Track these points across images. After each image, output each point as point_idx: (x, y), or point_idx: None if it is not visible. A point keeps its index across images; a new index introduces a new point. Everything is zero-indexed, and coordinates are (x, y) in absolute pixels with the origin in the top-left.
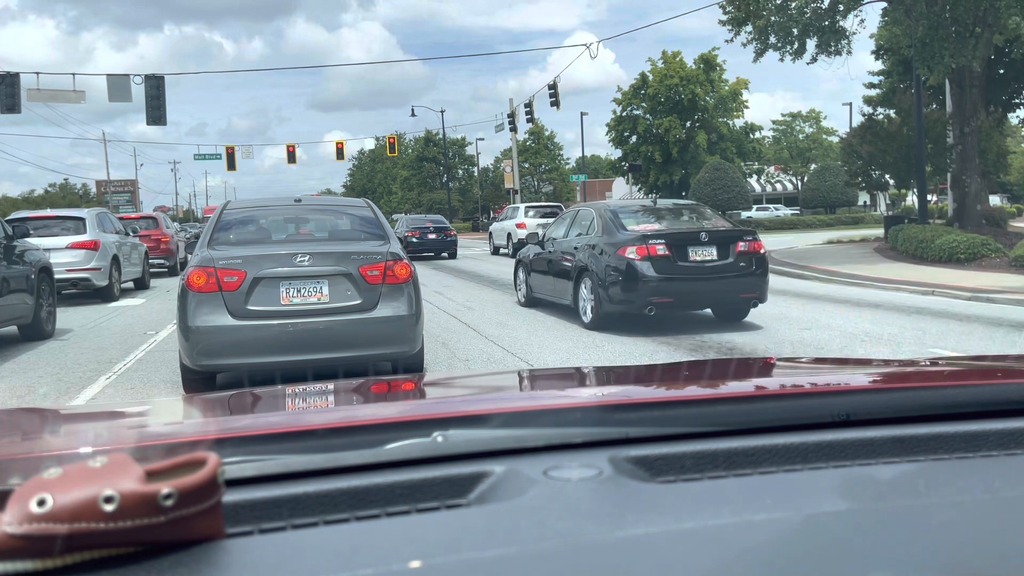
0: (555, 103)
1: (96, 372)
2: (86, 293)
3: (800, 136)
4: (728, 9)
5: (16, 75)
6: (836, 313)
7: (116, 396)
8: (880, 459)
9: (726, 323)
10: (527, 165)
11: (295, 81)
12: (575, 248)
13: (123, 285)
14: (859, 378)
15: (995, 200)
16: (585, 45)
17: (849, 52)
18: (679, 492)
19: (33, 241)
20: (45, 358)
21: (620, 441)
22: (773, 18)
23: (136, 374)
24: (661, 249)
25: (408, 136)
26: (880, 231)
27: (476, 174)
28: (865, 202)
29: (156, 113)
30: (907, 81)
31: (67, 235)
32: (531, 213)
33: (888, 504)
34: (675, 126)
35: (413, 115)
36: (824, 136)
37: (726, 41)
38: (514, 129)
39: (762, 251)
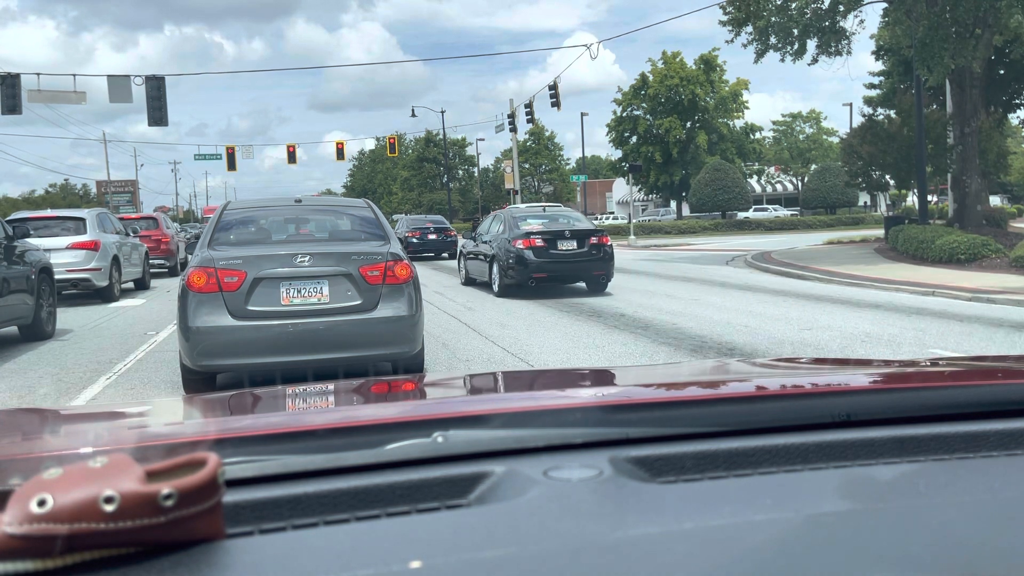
0: (555, 103)
1: (96, 372)
2: (86, 293)
3: (800, 137)
4: (728, 10)
5: (17, 76)
6: (836, 314)
7: (116, 396)
8: (880, 459)
9: (725, 324)
10: (527, 165)
11: (295, 81)
12: (489, 242)
13: (123, 285)
14: (859, 378)
15: (995, 200)
16: (586, 46)
17: (849, 52)
18: (679, 492)
19: (33, 241)
20: (45, 358)
21: (620, 441)
22: (773, 19)
23: (136, 374)
24: (539, 242)
25: (408, 136)
26: (880, 232)
27: (476, 174)
28: (865, 203)
29: (157, 114)
30: (907, 81)
31: (67, 235)
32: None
33: (889, 504)
34: (675, 127)
35: (413, 115)
36: (824, 137)
37: (726, 42)
38: (514, 129)
39: (608, 243)
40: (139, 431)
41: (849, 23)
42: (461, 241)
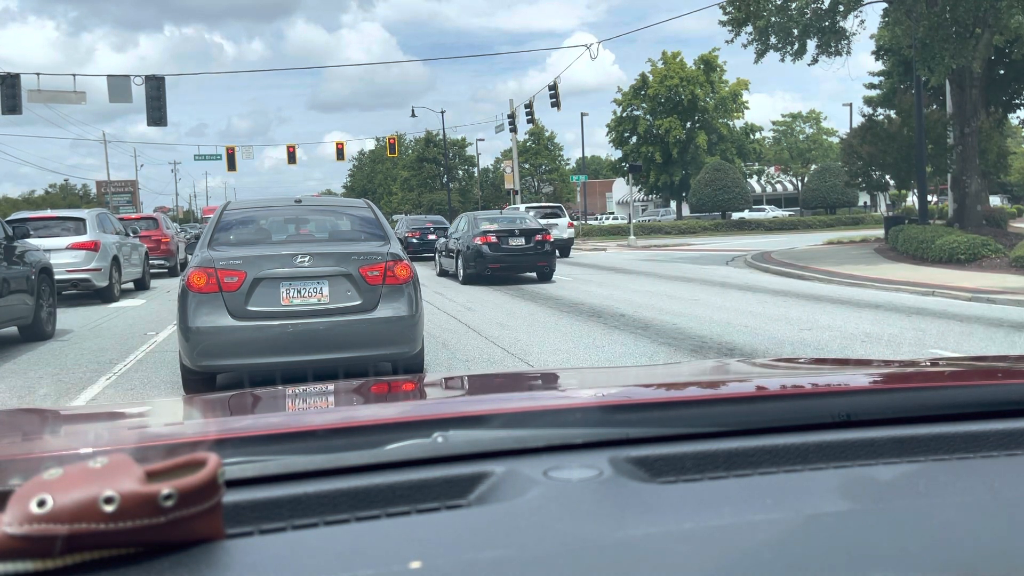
0: (555, 104)
1: (96, 373)
2: (86, 294)
3: (800, 137)
4: (728, 10)
5: (17, 76)
6: (836, 314)
7: (116, 397)
8: (880, 460)
9: (725, 324)
10: (527, 166)
11: (295, 82)
12: (457, 239)
13: (123, 286)
14: (859, 379)
15: (995, 200)
16: (585, 46)
17: (849, 53)
18: (679, 493)
19: (33, 242)
20: (45, 359)
21: (620, 442)
22: (773, 19)
23: (136, 375)
24: (494, 239)
25: (408, 137)
26: (880, 232)
27: (476, 175)
28: (865, 203)
29: (157, 114)
30: (907, 82)
31: (67, 236)
32: (531, 214)
33: (889, 505)
34: (675, 127)
35: (413, 116)
36: (824, 137)
37: (726, 42)
38: (514, 130)
39: (550, 239)
40: (139, 431)
41: (849, 23)
42: (439, 239)
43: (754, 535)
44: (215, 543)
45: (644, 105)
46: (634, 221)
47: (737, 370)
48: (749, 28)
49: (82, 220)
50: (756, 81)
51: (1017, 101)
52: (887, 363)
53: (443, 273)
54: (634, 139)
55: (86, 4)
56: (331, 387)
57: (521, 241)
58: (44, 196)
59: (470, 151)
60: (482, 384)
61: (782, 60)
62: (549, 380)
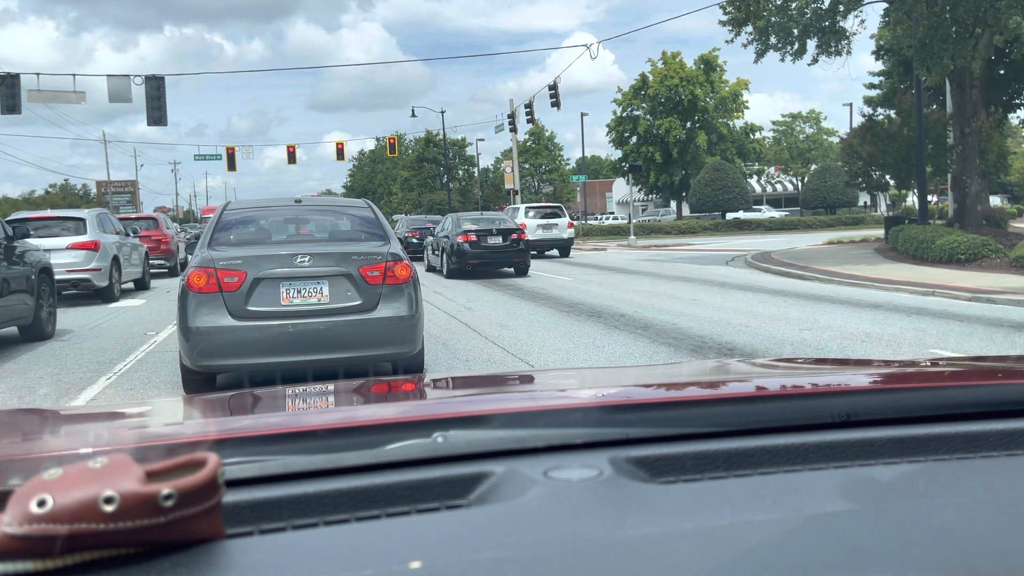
0: (555, 104)
1: (96, 373)
2: (86, 294)
3: (800, 137)
4: (728, 10)
5: (16, 76)
6: (836, 314)
7: (116, 397)
8: (881, 460)
9: (725, 324)
10: (527, 166)
11: (295, 82)
12: (444, 238)
13: (123, 286)
14: (859, 379)
15: (995, 201)
16: (585, 46)
17: (849, 52)
18: (679, 493)
19: (33, 242)
20: (45, 359)
21: (620, 442)
22: (773, 19)
23: (136, 375)
24: (474, 237)
25: (408, 137)
26: (880, 232)
27: (476, 175)
28: (865, 203)
29: (156, 114)
30: (907, 82)
31: (67, 236)
32: (531, 214)
33: (889, 505)
34: (675, 127)
35: (413, 115)
36: (824, 137)
37: (726, 42)
38: (514, 130)
39: (524, 238)
40: (139, 431)
41: (849, 23)
42: (427, 237)
43: (754, 535)
44: (215, 543)
45: (644, 105)
46: (634, 221)
47: (737, 370)
48: (749, 28)
49: (82, 220)
50: (756, 81)
51: (1017, 101)
52: (887, 363)
53: (430, 268)
54: (634, 139)
55: (86, 4)
56: (331, 387)
57: (499, 240)
58: (44, 196)
59: (470, 151)
60: (482, 384)
61: (782, 60)
62: (549, 380)
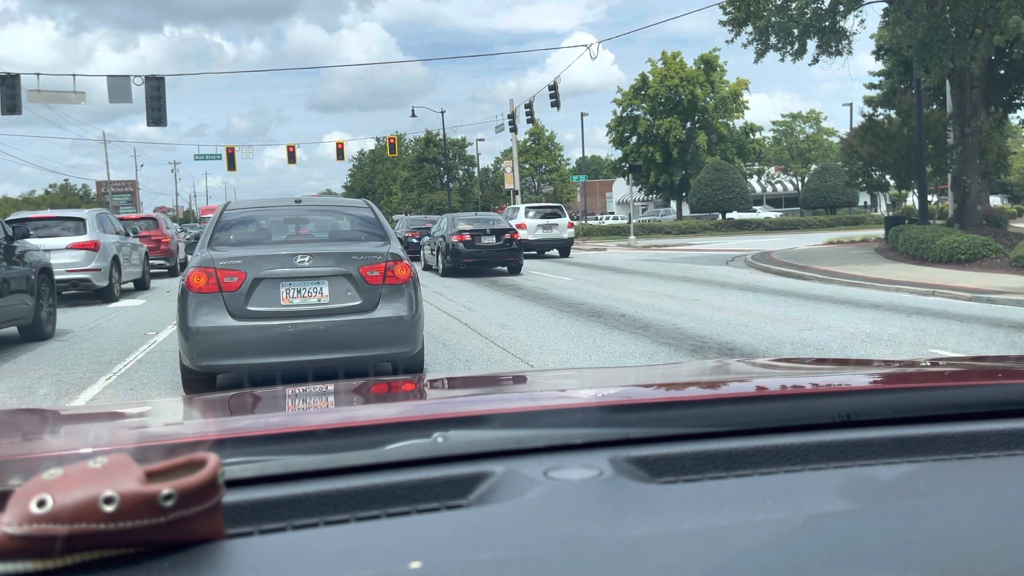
0: (555, 104)
1: (96, 373)
2: (86, 294)
3: (800, 137)
4: (728, 10)
5: (16, 76)
6: (836, 314)
7: (116, 397)
8: (881, 460)
9: (725, 324)
10: (527, 166)
11: (295, 82)
12: (440, 238)
13: (123, 286)
14: (859, 379)
15: (995, 201)
16: (585, 46)
17: (849, 52)
18: (679, 493)
19: (33, 242)
20: (45, 359)
21: (620, 442)
22: (773, 19)
23: (136, 375)
24: (468, 237)
25: (408, 137)
26: (880, 232)
27: (476, 175)
28: (865, 203)
29: (156, 114)
30: (908, 82)
31: (67, 236)
32: (531, 214)
33: (889, 505)
34: (675, 127)
35: (413, 115)
36: (824, 137)
37: (726, 42)
38: (514, 130)
39: (517, 237)
40: (139, 431)
41: (849, 23)
42: (425, 237)
43: (754, 535)
44: (215, 543)
45: (644, 105)
46: (634, 221)
47: (737, 370)
48: (749, 28)
49: (82, 220)
50: (756, 81)
51: (1017, 101)
52: (887, 363)
53: (427, 267)
54: (634, 139)
55: (86, 4)
56: (331, 387)
57: (492, 239)
58: (44, 196)
59: (470, 151)
60: (482, 384)
61: (782, 60)
62: (549, 380)
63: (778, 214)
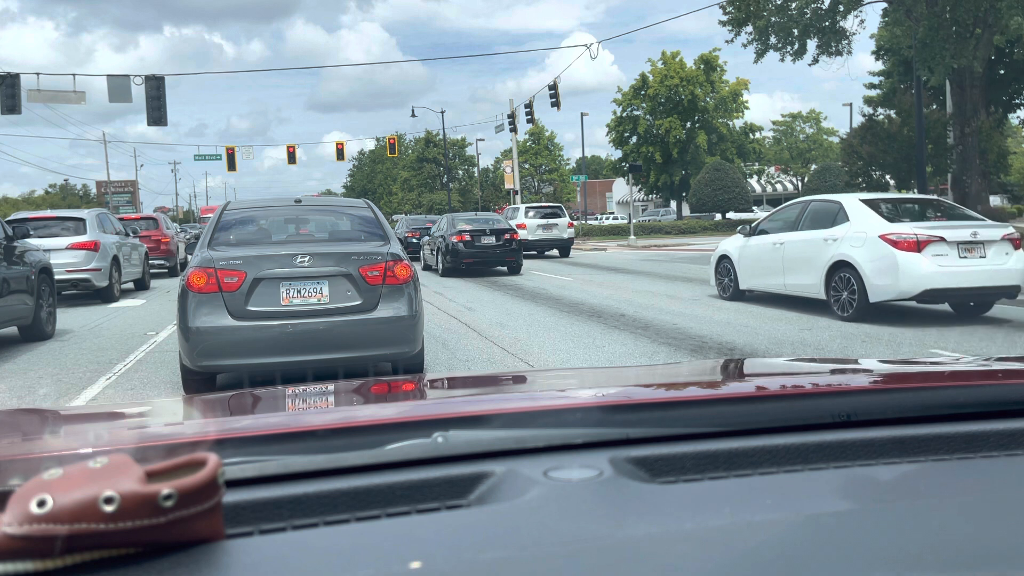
0: (555, 103)
1: (96, 373)
2: (86, 294)
3: (800, 137)
4: (728, 10)
5: (16, 76)
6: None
7: (116, 397)
8: (881, 460)
9: (725, 324)
10: (527, 166)
11: (295, 82)
12: (440, 238)
13: (123, 286)
14: (860, 379)
15: (995, 200)
16: (585, 46)
17: (849, 52)
18: (679, 493)
19: (33, 242)
20: (45, 359)
21: (620, 442)
22: (773, 19)
23: (136, 375)
24: (468, 237)
25: (408, 137)
26: None
27: (476, 175)
28: None
29: (156, 114)
30: (907, 82)
31: (67, 236)
32: (531, 214)
33: (889, 505)
34: (675, 127)
35: (413, 116)
36: (824, 137)
37: (726, 42)
38: (514, 130)
39: (517, 237)
40: (139, 431)
41: (849, 23)
42: (425, 237)
43: (754, 535)
44: (215, 543)
45: (644, 105)
46: (634, 221)
47: (737, 370)
48: (749, 28)
49: (82, 220)
50: (756, 81)
51: (1017, 101)
52: (887, 363)
53: (427, 267)
54: (634, 139)
55: (86, 4)
56: (331, 387)
57: (492, 239)
58: (44, 196)
59: (470, 151)
60: (482, 384)
61: (782, 60)
62: (549, 380)
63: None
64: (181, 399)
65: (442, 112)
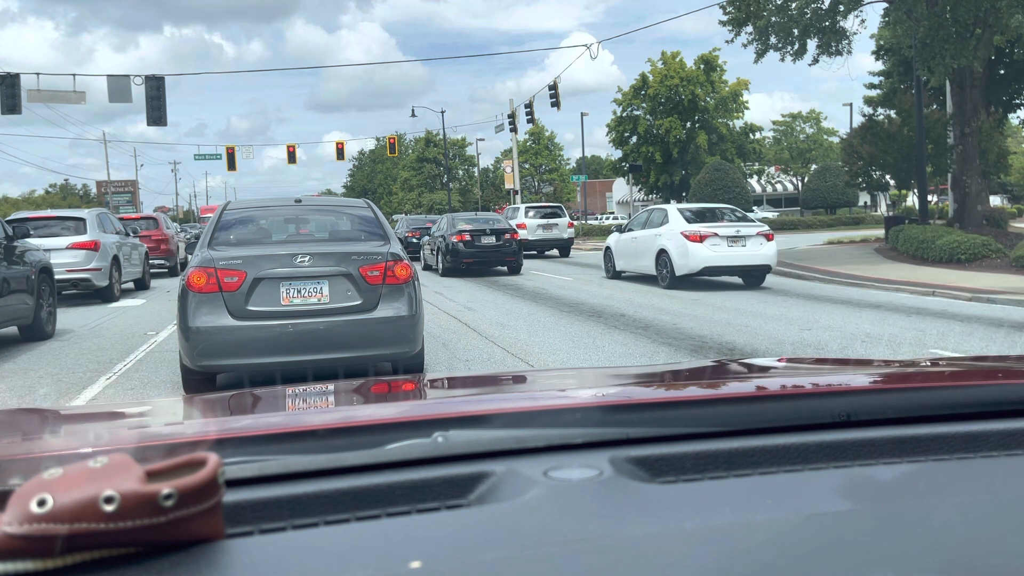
0: (555, 103)
1: (96, 373)
2: (86, 293)
3: (800, 137)
4: (728, 10)
5: (16, 76)
6: (836, 313)
7: (116, 396)
8: (881, 460)
9: (725, 324)
10: (527, 166)
11: (295, 82)
12: (440, 237)
13: (123, 286)
14: (860, 379)
15: (996, 201)
16: (585, 46)
17: (849, 52)
18: (679, 493)
19: (33, 241)
20: (45, 358)
21: (620, 442)
22: (774, 19)
23: (136, 375)
24: (468, 236)
25: (408, 137)
26: (881, 232)
27: (476, 174)
28: (866, 203)
29: (156, 114)
30: (908, 82)
31: (67, 235)
32: (531, 213)
33: (889, 505)
34: (675, 127)
35: (413, 115)
36: (824, 137)
37: (726, 42)
38: (514, 129)
39: (517, 237)
40: (139, 431)
41: (849, 23)
42: (425, 237)
43: (754, 535)
44: (215, 543)
45: (644, 105)
46: None
47: (737, 370)
48: (749, 28)
49: (82, 220)
50: (756, 81)
51: (1017, 101)
52: (887, 363)
53: (427, 267)
54: (634, 139)
55: (86, 4)
56: (331, 387)
57: (492, 239)
58: (44, 196)
59: (470, 151)
60: (482, 384)
61: (782, 60)
62: (549, 380)
63: (775, 214)
64: (181, 399)
65: (442, 112)
